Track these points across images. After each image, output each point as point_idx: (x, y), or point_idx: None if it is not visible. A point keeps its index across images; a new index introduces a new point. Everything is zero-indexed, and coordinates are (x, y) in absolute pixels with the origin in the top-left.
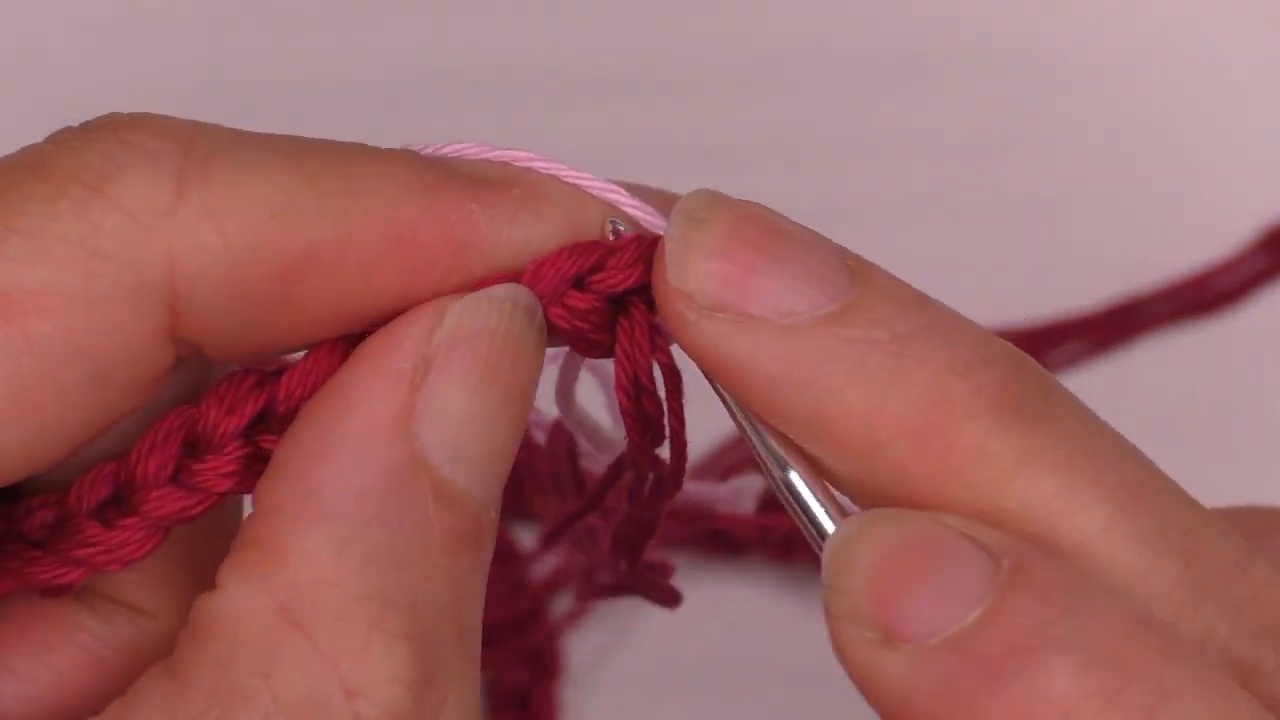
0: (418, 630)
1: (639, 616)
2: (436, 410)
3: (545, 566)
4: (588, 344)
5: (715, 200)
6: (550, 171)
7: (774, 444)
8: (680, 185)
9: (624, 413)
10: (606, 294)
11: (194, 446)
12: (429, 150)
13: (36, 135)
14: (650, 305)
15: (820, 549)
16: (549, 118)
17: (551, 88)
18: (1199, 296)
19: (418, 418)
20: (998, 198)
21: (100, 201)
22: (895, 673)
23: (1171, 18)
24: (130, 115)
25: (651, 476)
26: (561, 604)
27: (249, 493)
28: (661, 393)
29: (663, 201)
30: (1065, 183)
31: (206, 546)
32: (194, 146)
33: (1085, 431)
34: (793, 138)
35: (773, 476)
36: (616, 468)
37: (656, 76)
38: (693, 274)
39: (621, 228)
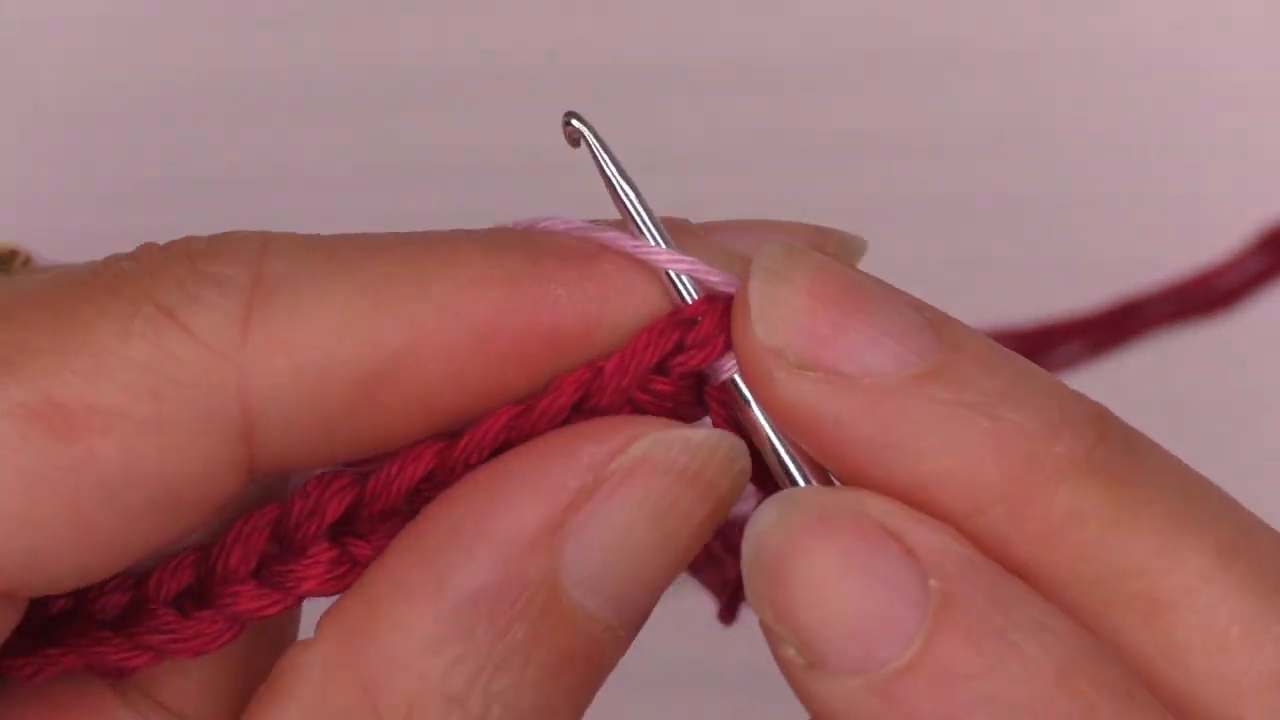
0: None
1: None
2: (589, 535)
3: None
4: (677, 416)
5: (794, 253)
6: (625, 247)
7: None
8: (680, 185)
9: None
10: (689, 374)
11: (280, 543)
12: (517, 224)
13: (38, 134)
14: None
15: None
16: (549, 118)
17: (552, 88)
18: (1198, 297)
19: (566, 535)
20: (998, 198)
21: (174, 328)
22: (826, 701)
23: (1171, 18)
24: (205, 240)
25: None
26: None
27: (330, 594)
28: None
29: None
30: (1064, 183)
31: (259, 655)
32: (262, 270)
33: (1177, 486)
34: (793, 138)
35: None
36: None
37: (656, 76)
38: (782, 330)
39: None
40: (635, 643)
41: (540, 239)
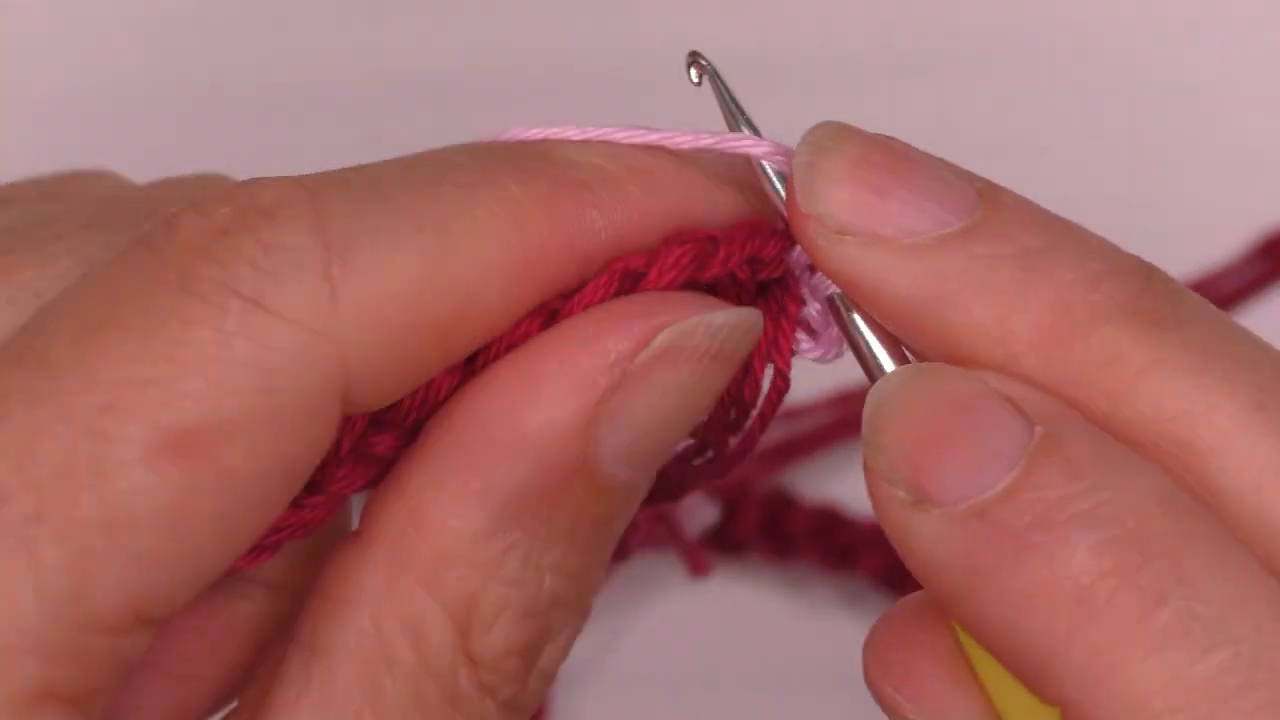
0: (538, 609)
1: (634, 618)
2: (620, 421)
3: None
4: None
5: (842, 129)
6: (646, 142)
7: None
8: None
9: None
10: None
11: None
12: (522, 134)
13: (38, 135)
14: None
15: None
16: (549, 118)
17: (552, 88)
18: None
19: (598, 422)
20: None
21: (265, 318)
22: (925, 536)
23: (1171, 21)
24: (246, 196)
25: (709, 453)
26: None
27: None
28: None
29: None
30: (1062, 187)
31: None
32: (328, 232)
33: (1218, 335)
34: (793, 138)
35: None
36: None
37: (656, 76)
38: (822, 198)
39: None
40: (645, 642)
41: (567, 161)
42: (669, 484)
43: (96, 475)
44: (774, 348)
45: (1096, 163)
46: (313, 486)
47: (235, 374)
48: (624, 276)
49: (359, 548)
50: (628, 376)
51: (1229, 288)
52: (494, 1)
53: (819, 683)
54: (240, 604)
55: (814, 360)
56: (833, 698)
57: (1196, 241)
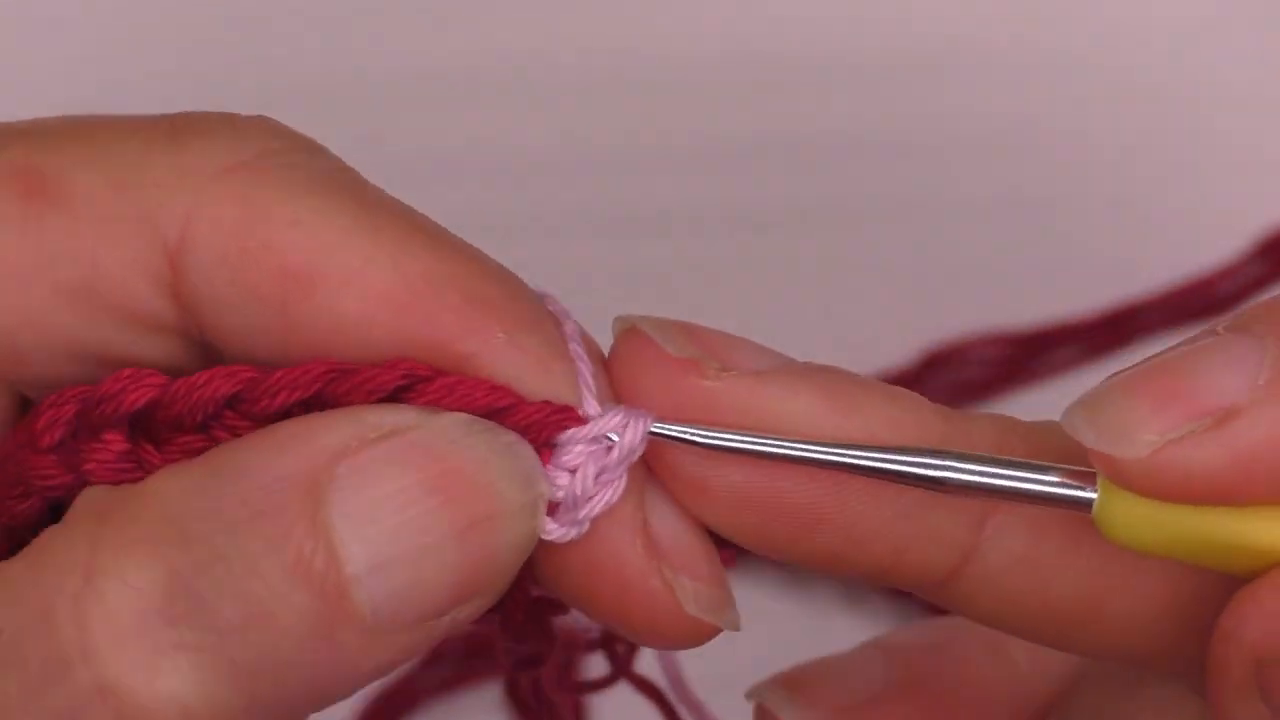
0: (189, 577)
1: None
2: (364, 473)
3: None
4: None
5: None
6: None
7: None
8: (680, 185)
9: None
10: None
11: (82, 424)
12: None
13: None
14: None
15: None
16: (548, 117)
17: (550, 88)
18: (1196, 302)
19: (338, 471)
20: (995, 201)
21: (166, 145)
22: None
23: (1171, 22)
24: (267, 119)
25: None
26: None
27: (109, 482)
28: None
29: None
30: (1063, 187)
31: None
32: (281, 154)
33: None
34: (792, 138)
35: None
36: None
37: (655, 76)
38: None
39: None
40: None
41: (532, 298)
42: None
43: None
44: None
45: (1096, 163)
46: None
47: (109, 161)
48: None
49: (34, 562)
50: (364, 445)
51: (1229, 288)
52: (494, 1)
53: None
54: None
55: (549, 538)
56: None
57: (1196, 241)
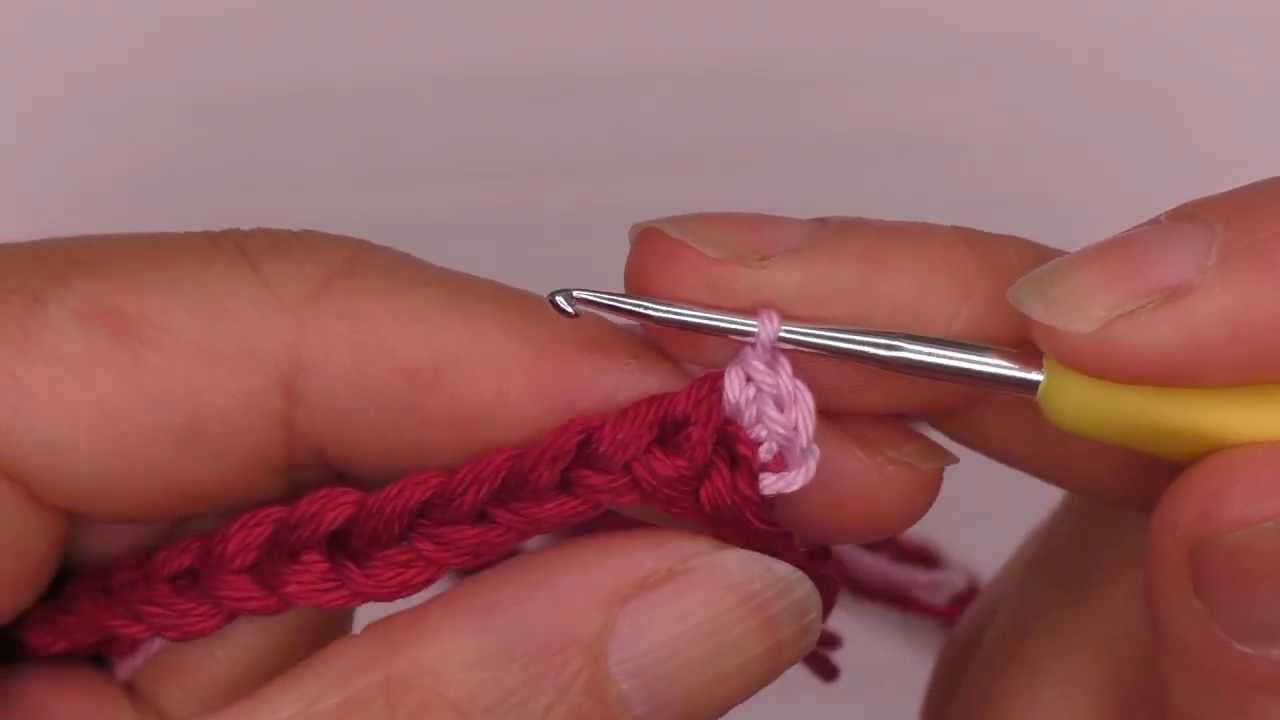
0: None
1: None
2: (645, 619)
3: None
4: (666, 502)
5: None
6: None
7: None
8: (680, 185)
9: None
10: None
11: (278, 547)
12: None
13: (38, 134)
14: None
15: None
16: (548, 117)
17: (551, 88)
18: None
19: (625, 611)
20: (996, 200)
21: (249, 272)
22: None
23: (1171, 21)
24: (321, 235)
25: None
26: None
27: (314, 604)
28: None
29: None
30: (1063, 187)
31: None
32: (358, 258)
33: None
34: (792, 138)
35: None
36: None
37: (655, 76)
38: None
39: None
40: None
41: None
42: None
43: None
44: (743, 506)
45: (1096, 163)
46: (202, 586)
47: (196, 298)
48: (581, 430)
49: (354, 634)
50: (673, 577)
51: None
52: (494, 1)
53: (819, 683)
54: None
55: (791, 491)
56: (833, 698)
57: None
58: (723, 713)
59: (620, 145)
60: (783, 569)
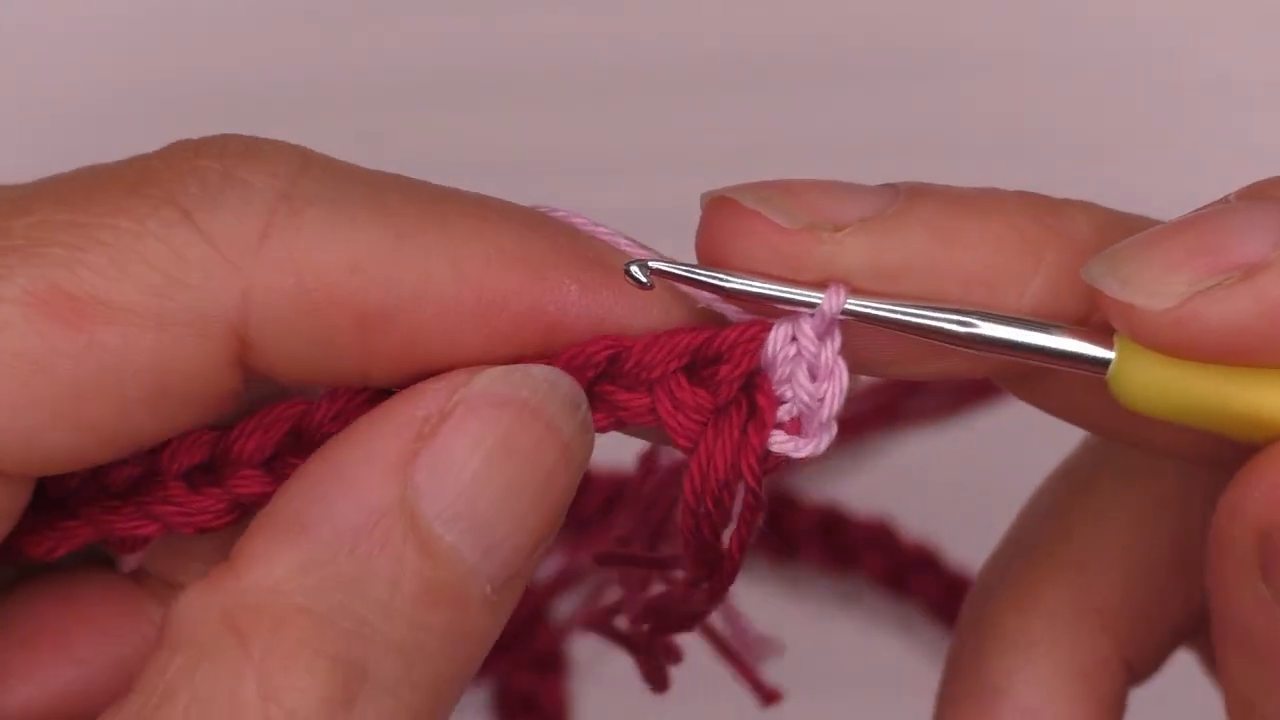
0: (350, 656)
1: None
2: (440, 464)
3: (548, 568)
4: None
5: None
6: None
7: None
8: (680, 185)
9: (682, 527)
10: (722, 382)
11: (298, 439)
12: (551, 211)
13: (39, 135)
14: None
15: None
16: (548, 118)
17: (552, 88)
18: None
19: (418, 466)
20: None
21: (188, 229)
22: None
23: (1172, 21)
24: (243, 142)
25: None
26: (565, 605)
27: None
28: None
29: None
30: (1062, 187)
31: None
32: (294, 188)
33: None
34: (792, 138)
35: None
36: (669, 559)
37: (655, 76)
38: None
39: (637, 273)
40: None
41: (575, 235)
42: (674, 618)
43: None
44: (743, 452)
45: (1096, 162)
46: (218, 480)
47: (138, 267)
48: (610, 349)
49: (185, 590)
50: (446, 419)
51: None
52: (494, 2)
53: (819, 683)
54: (159, 610)
55: (801, 456)
56: (833, 697)
57: None
58: (545, 541)
59: (621, 145)
60: (539, 370)
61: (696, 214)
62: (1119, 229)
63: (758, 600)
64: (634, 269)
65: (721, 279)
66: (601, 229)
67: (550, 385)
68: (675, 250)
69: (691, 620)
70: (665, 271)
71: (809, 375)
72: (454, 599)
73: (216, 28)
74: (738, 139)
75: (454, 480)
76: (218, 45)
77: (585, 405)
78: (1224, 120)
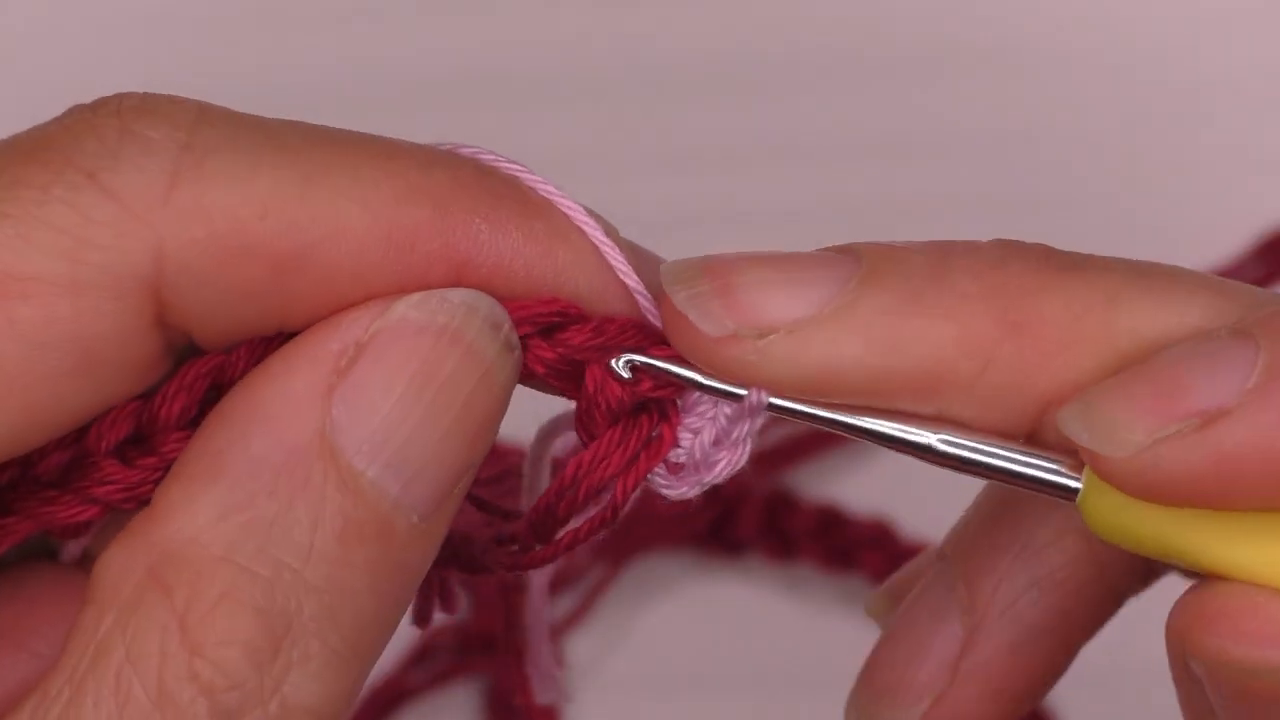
0: (272, 604)
1: (636, 619)
2: (357, 397)
3: (545, 569)
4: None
5: None
6: (566, 209)
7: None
8: (680, 185)
9: (545, 492)
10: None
11: (221, 394)
12: (455, 147)
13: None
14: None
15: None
16: (549, 117)
17: (552, 88)
18: None
19: (335, 400)
20: (996, 200)
21: (93, 190)
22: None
23: (1171, 21)
24: (139, 98)
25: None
26: (560, 607)
27: None
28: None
29: (647, 264)
30: (1063, 187)
31: None
32: (195, 138)
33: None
34: (792, 138)
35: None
36: (512, 512)
37: (655, 77)
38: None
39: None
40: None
41: (481, 170)
42: (467, 558)
43: None
44: (630, 469)
45: (1096, 162)
46: (150, 449)
47: (46, 235)
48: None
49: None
50: (363, 352)
51: None
52: (495, 2)
53: (819, 683)
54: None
55: (670, 495)
56: (833, 698)
57: (1196, 241)
58: (472, 465)
59: (621, 145)
60: (457, 294)
61: (697, 214)
62: (1098, 309)
63: (758, 600)
64: (616, 365)
65: (658, 365)
66: (512, 165)
67: (468, 308)
68: (675, 250)
69: (475, 566)
70: (638, 364)
71: (714, 439)
72: (378, 534)
73: (216, 28)
74: (738, 139)
75: (372, 413)
76: (218, 45)
77: (508, 324)
78: (1224, 120)
